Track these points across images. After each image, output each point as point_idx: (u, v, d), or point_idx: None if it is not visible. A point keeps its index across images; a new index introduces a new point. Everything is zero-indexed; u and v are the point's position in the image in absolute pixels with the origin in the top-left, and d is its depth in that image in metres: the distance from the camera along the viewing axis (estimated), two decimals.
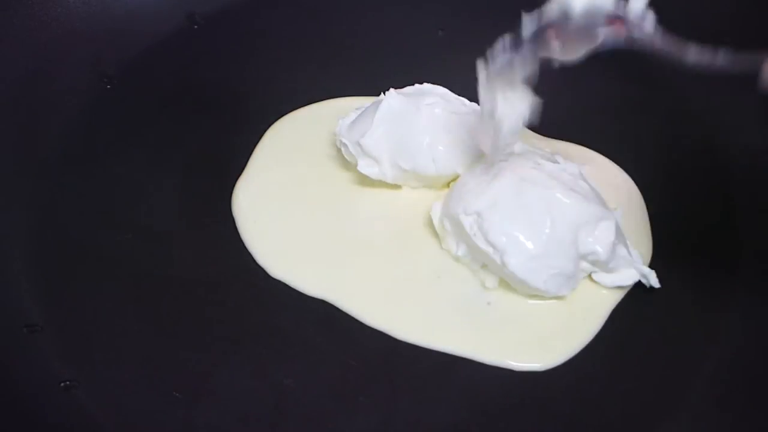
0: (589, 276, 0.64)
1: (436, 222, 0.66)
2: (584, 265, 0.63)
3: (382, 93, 0.69)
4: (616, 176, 0.71)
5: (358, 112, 0.70)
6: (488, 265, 0.63)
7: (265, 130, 0.74)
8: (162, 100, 0.77)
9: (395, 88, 0.69)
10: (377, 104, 0.68)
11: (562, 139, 0.73)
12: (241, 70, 0.80)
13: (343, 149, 0.69)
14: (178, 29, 0.82)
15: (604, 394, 0.59)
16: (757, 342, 0.61)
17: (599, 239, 0.61)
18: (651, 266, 0.64)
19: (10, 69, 0.75)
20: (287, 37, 0.82)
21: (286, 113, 0.76)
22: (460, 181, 0.66)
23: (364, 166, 0.68)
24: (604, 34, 0.55)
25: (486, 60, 0.59)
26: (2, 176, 0.70)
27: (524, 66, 0.58)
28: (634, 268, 0.63)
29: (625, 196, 0.69)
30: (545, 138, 0.73)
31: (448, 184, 0.69)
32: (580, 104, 0.76)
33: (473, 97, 0.74)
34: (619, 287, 0.64)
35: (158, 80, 0.79)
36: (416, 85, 0.70)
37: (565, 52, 0.57)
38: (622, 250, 0.63)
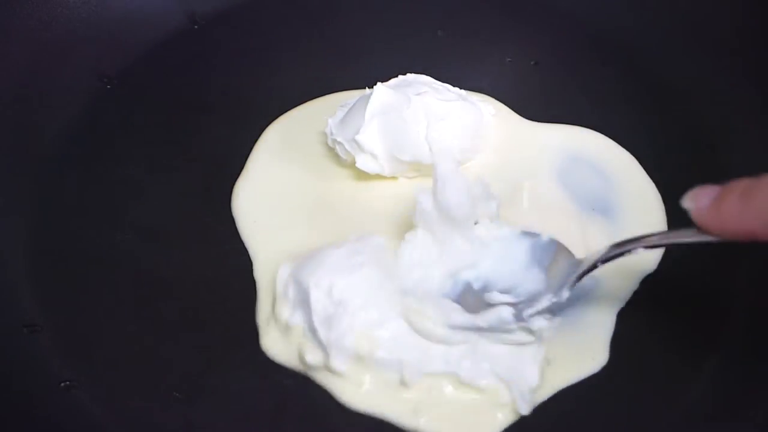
0: None
1: None
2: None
3: (366, 88, 0.70)
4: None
5: (344, 109, 0.70)
6: None
7: (264, 130, 0.74)
8: (162, 100, 0.77)
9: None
10: (365, 99, 0.68)
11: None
12: (241, 70, 0.80)
13: (337, 147, 0.69)
14: (178, 29, 0.82)
15: (604, 395, 0.59)
16: (757, 342, 0.61)
17: None
18: None
19: (10, 69, 0.75)
20: (287, 37, 0.82)
21: (286, 112, 0.76)
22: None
23: (363, 162, 0.68)
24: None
25: None
26: (2, 176, 0.70)
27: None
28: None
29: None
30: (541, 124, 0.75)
31: None
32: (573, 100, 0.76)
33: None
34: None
35: (158, 80, 0.79)
36: (400, 77, 0.71)
37: None
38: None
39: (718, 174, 0.71)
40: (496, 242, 0.60)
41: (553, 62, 0.80)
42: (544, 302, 0.57)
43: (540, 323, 0.57)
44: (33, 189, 0.70)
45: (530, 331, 0.57)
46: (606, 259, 0.56)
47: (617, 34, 0.81)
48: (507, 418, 0.57)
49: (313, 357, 0.58)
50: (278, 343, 0.61)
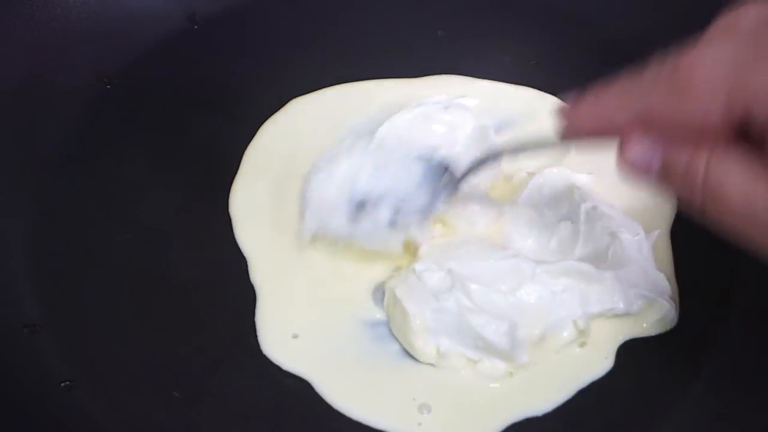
0: None
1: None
2: None
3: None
4: None
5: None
6: None
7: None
8: (162, 100, 0.77)
9: (395, 92, 0.69)
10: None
11: None
12: (241, 70, 0.80)
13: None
14: (178, 29, 0.82)
15: (603, 395, 0.59)
16: (757, 343, 0.61)
17: None
18: None
19: (10, 69, 0.75)
20: (287, 37, 0.82)
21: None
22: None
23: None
24: None
25: None
26: (2, 176, 0.70)
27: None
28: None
29: None
30: None
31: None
32: None
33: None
34: None
35: (158, 80, 0.79)
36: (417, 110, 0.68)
37: None
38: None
39: None
40: (392, 164, 0.62)
41: (553, 62, 0.80)
42: (420, 208, 0.61)
43: (414, 228, 0.61)
44: (33, 189, 0.70)
45: None
46: (473, 167, 0.60)
47: (617, 34, 0.81)
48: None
49: (498, 370, 0.58)
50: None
